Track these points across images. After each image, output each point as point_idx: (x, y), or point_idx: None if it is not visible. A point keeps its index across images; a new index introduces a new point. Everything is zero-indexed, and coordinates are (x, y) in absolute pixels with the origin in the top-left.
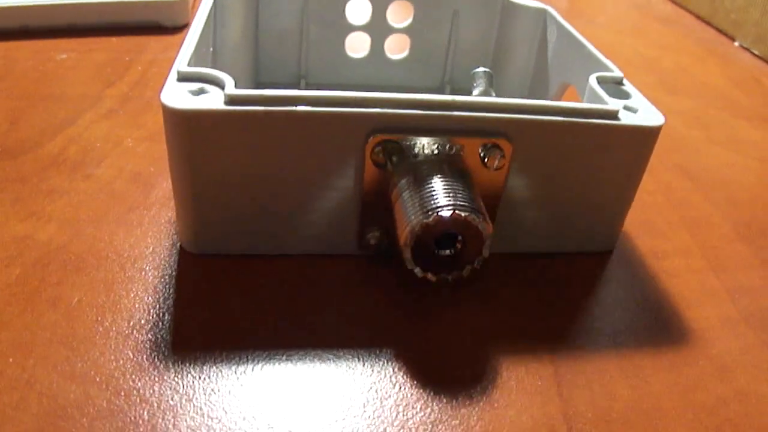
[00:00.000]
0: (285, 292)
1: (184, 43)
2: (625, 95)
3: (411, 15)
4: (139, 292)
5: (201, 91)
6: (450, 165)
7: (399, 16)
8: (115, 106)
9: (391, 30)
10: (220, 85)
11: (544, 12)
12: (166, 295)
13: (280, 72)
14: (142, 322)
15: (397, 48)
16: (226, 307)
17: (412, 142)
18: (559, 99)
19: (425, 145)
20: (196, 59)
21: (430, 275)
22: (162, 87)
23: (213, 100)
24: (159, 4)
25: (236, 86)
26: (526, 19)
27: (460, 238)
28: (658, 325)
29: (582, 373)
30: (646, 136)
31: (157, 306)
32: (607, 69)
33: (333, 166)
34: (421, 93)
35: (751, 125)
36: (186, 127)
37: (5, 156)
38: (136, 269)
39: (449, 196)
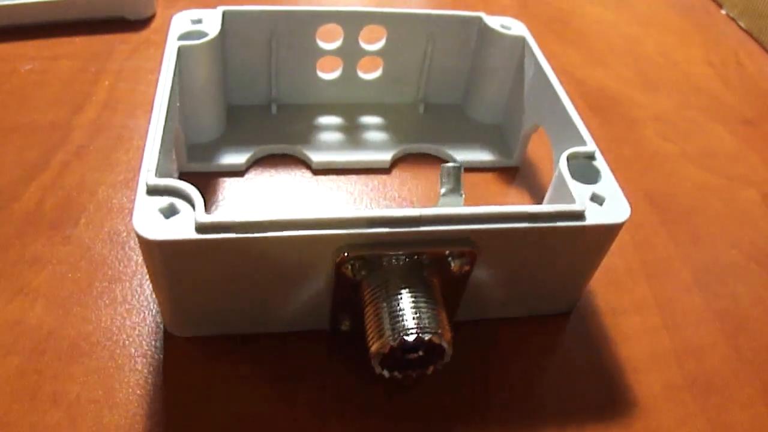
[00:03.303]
0: (266, 374)
1: (147, 140)
2: (595, 175)
3: (384, 37)
4: (131, 383)
5: (171, 210)
6: (415, 274)
7: (371, 37)
8: (85, 141)
9: (364, 53)
10: (190, 201)
11: (522, 40)
12: (156, 384)
13: (251, 95)
14: (137, 417)
15: (369, 67)
16: (213, 393)
17: (380, 255)
18: (528, 137)
19: (393, 256)
20: (164, 138)
21: (396, 374)
22: (133, 203)
23: (183, 227)
24: None
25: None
26: (502, 45)
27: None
28: (606, 396)
29: None
30: (612, 229)
31: (149, 398)
32: (580, 139)
33: (304, 278)
34: (395, 110)
35: (726, 130)
36: (158, 252)
37: None
38: (125, 356)
39: (414, 316)
